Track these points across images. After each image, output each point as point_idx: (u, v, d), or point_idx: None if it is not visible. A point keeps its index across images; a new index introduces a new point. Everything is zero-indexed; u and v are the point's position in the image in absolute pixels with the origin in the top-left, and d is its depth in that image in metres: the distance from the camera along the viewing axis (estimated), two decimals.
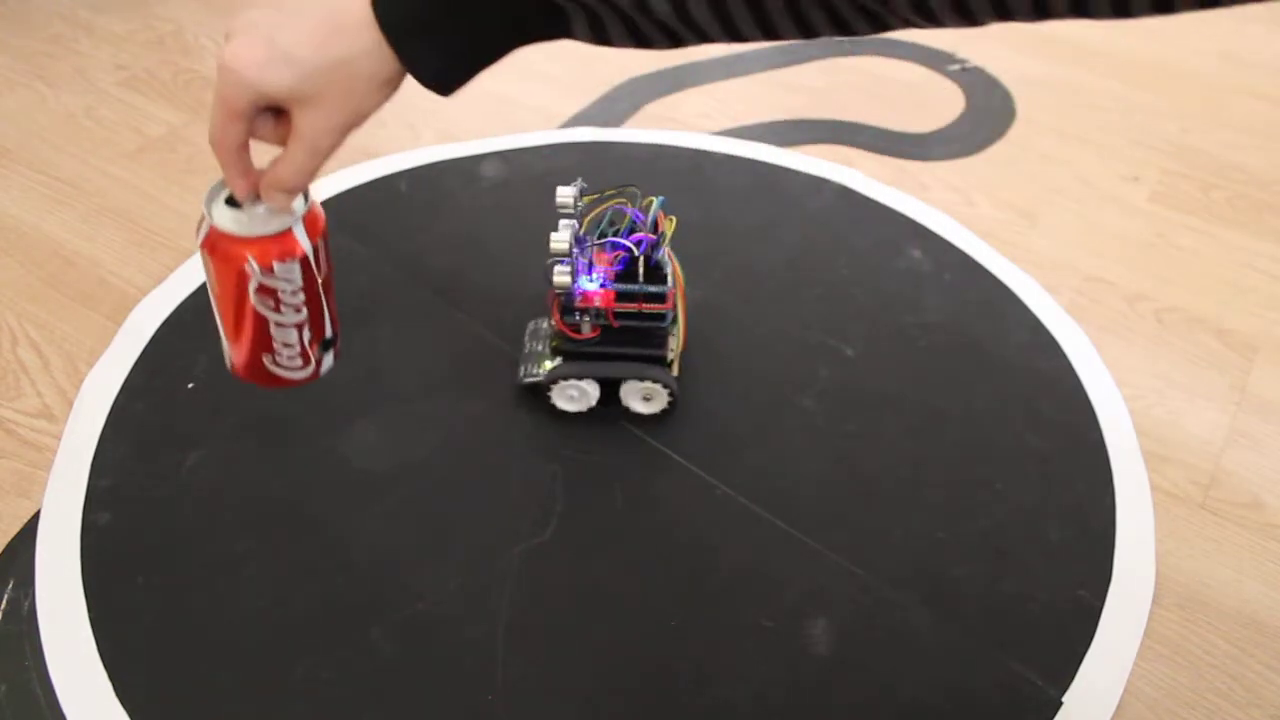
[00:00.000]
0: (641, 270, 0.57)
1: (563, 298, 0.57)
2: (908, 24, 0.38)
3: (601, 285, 0.57)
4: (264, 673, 0.50)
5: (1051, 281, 0.88)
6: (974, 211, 1.00)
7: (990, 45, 1.29)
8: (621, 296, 0.57)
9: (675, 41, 0.42)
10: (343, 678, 0.50)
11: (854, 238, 0.80)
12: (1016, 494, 0.60)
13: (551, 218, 0.56)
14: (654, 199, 0.57)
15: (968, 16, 0.36)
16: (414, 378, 0.65)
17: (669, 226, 0.57)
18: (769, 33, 0.40)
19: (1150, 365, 0.83)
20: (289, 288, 0.45)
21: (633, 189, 0.57)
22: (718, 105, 1.16)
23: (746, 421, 0.64)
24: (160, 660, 0.50)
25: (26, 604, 0.59)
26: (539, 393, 0.61)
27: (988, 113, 1.18)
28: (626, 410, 0.62)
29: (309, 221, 0.45)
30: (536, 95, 1.14)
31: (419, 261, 0.74)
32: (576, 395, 0.61)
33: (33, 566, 0.54)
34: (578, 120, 1.12)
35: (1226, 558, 0.68)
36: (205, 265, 0.46)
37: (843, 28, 0.39)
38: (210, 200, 0.44)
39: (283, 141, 0.43)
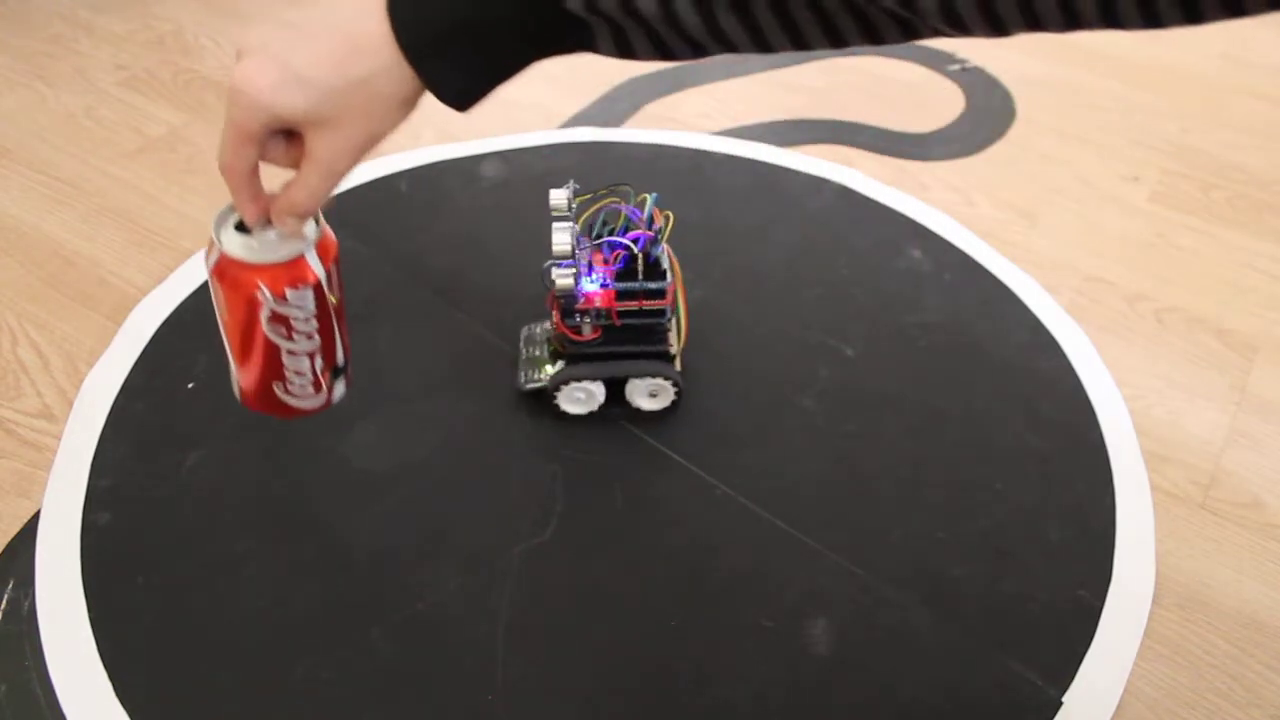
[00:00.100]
0: (640, 267, 0.56)
1: (563, 300, 0.57)
2: (937, 33, 0.37)
3: (602, 285, 0.57)
4: (264, 673, 0.50)
5: (1051, 281, 0.88)
6: (974, 211, 1.00)
7: (990, 45, 1.29)
8: (622, 295, 0.57)
9: (700, 53, 0.40)
10: (343, 678, 0.50)
11: (854, 238, 0.80)
12: (1016, 494, 0.60)
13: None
14: (647, 196, 0.57)
15: (998, 26, 0.35)
16: (414, 378, 0.65)
17: (666, 222, 0.57)
18: (799, 44, 0.39)
19: (1150, 365, 0.83)
20: (301, 315, 0.44)
21: (625, 187, 0.57)
22: (718, 105, 1.16)
23: (746, 421, 0.64)
24: (160, 660, 0.50)
25: (26, 604, 0.59)
26: (544, 397, 0.61)
27: (988, 113, 1.18)
28: (627, 410, 0.62)
29: (321, 247, 0.44)
30: (536, 95, 1.14)
31: (419, 261, 0.74)
32: (583, 397, 0.61)
33: (33, 566, 0.54)
34: (578, 120, 1.12)
35: (1226, 558, 0.68)
36: (214, 292, 0.44)
37: (873, 37, 0.38)
38: (219, 225, 0.43)
39: (295, 164, 0.42)
